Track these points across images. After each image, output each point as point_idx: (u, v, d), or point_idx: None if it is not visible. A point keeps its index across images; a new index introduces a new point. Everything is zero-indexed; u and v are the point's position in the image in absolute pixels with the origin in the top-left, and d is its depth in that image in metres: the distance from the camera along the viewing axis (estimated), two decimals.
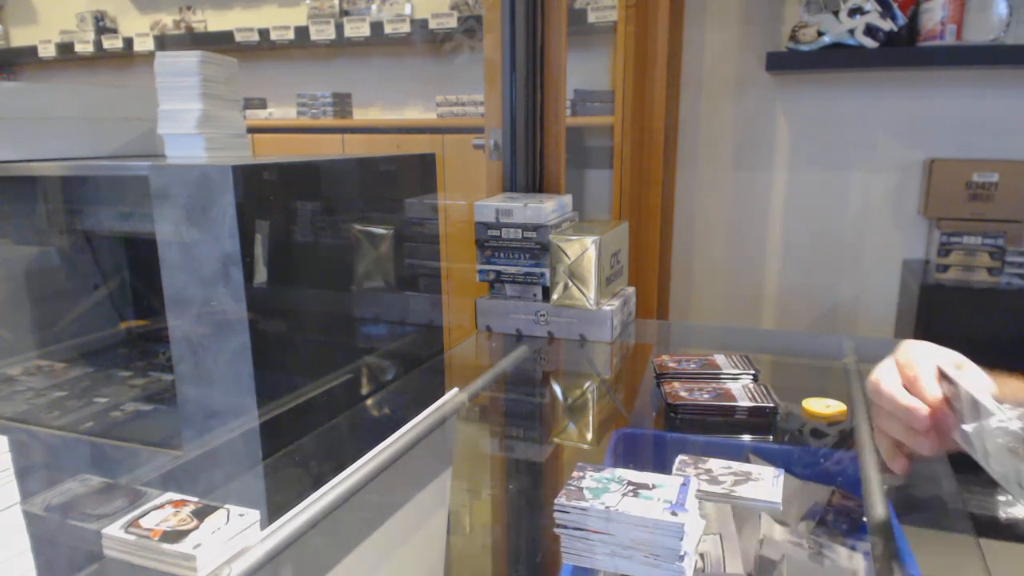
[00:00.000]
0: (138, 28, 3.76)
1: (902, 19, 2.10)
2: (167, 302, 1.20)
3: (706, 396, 1.05)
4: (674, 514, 0.61)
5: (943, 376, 0.62)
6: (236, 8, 3.63)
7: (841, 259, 2.50)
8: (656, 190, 2.38)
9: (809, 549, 0.72)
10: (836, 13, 2.13)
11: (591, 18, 2.67)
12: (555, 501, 0.64)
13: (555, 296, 1.39)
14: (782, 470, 0.74)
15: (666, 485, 0.66)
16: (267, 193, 1.21)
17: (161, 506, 0.63)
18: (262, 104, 3.52)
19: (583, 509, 0.63)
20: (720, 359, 1.19)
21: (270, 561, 0.59)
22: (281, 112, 3.46)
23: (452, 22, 2.98)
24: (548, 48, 1.58)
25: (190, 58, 1.40)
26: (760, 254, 2.60)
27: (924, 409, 0.61)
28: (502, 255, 1.41)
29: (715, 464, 0.76)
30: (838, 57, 2.18)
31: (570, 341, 1.39)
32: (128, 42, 3.68)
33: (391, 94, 3.39)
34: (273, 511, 0.64)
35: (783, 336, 2.00)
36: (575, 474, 0.68)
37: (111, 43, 3.72)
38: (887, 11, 2.08)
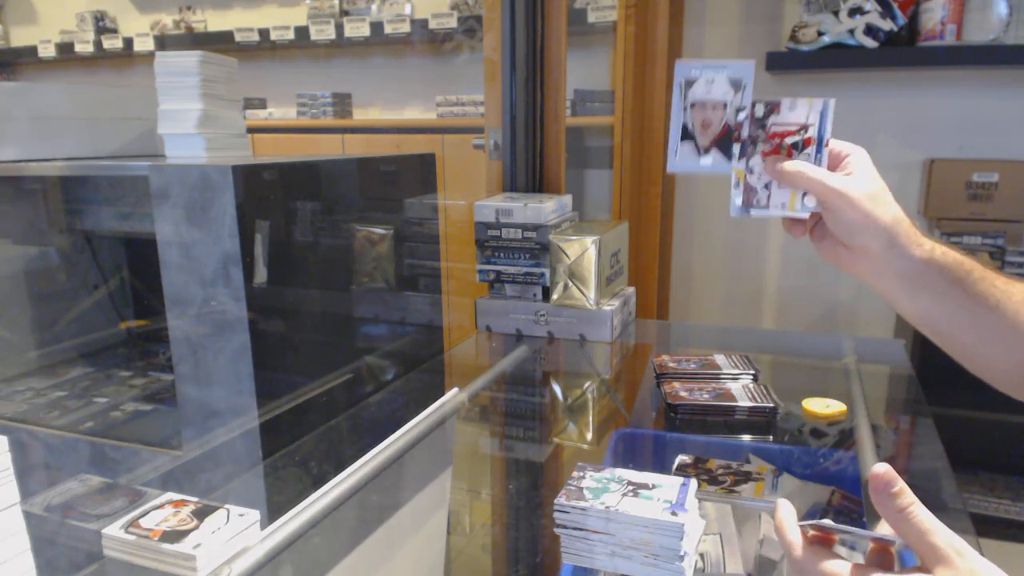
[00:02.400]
0: (138, 28, 3.76)
1: (902, 19, 2.10)
2: (167, 302, 1.20)
3: (706, 396, 1.05)
4: (674, 514, 0.61)
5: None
6: (236, 8, 3.63)
7: None
8: (656, 190, 2.37)
9: None
10: (836, 13, 2.13)
11: (591, 18, 2.67)
12: (555, 501, 0.64)
13: (555, 296, 1.39)
14: (782, 470, 0.75)
15: (666, 485, 0.66)
16: (267, 193, 1.21)
17: (161, 506, 0.63)
18: (262, 104, 3.52)
19: (583, 509, 0.63)
20: (720, 359, 1.19)
21: (270, 561, 0.59)
22: (281, 112, 3.46)
23: (452, 22, 2.98)
24: (548, 48, 1.58)
25: (190, 58, 1.40)
26: (760, 254, 2.60)
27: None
28: (502, 255, 1.41)
29: (715, 464, 0.76)
30: (838, 57, 2.17)
31: (570, 341, 1.39)
32: (128, 42, 3.68)
33: (391, 94, 3.39)
34: (273, 511, 0.64)
35: (783, 336, 2.00)
36: (575, 474, 0.68)
37: (111, 43, 3.71)
38: (887, 11, 2.08)
